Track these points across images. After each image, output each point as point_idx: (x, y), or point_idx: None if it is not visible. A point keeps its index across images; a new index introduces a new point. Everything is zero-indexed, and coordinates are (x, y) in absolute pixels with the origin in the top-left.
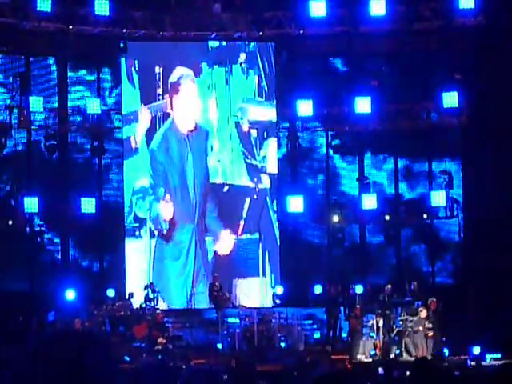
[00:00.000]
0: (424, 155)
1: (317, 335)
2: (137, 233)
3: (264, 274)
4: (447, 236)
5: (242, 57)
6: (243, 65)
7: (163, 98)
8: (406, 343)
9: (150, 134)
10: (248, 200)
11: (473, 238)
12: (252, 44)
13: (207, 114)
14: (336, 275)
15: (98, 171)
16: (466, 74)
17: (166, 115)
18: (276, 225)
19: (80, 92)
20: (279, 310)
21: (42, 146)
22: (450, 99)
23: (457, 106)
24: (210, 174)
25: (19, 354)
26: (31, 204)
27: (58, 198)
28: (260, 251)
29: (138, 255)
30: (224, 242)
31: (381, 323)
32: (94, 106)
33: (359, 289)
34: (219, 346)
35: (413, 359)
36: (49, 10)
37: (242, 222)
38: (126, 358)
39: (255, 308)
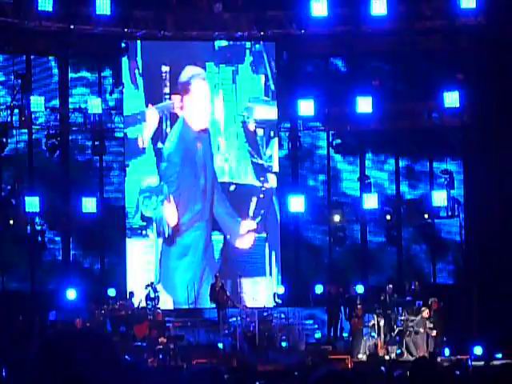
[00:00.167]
0: (425, 155)
1: (318, 335)
2: (144, 232)
3: (270, 273)
4: (448, 236)
5: (249, 56)
6: (250, 64)
7: (170, 98)
8: (407, 343)
9: (156, 134)
10: (255, 199)
11: (474, 237)
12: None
13: (214, 113)
14: (337, 275)
15: (99, 171)
16: (467, 73)
17: (173, 115)
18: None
19: (81, 92)
20: (280, 310)
21: (43, 145)
22: (452, 99)
23: (458, 105)
24: (217, 173)
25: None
26: (32, 203)
27: (59, 197)
28: (267, 250)
29: (144, 254)
30: (243, 237)
31: (382, 323)
32: (95, 106)
33: (360, 288)
34: (220, 345)
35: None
36: (50, 10)
37: (249, 221)
38: (127, 358)
39: (256, 308)
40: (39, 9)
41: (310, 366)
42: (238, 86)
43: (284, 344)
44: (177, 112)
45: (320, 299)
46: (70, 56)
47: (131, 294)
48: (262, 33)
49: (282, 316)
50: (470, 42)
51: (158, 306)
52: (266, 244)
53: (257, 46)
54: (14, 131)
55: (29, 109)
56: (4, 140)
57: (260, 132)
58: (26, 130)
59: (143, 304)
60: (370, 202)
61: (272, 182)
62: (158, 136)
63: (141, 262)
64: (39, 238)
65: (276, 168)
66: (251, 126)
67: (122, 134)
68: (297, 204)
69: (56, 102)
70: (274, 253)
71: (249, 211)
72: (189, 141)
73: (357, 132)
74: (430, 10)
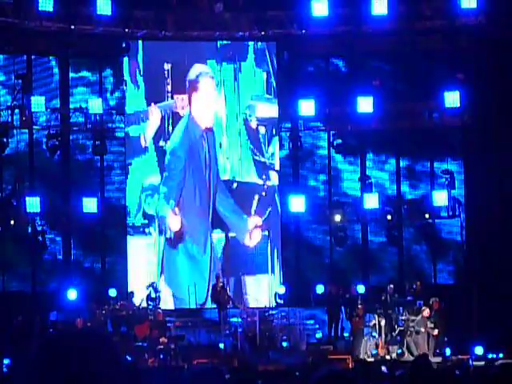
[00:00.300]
0: (426, 155)
1: (318, 335)
2: (146, 230)
3: (273, 271)
4: (449, 236)
5: (251, 54)
6: (252, 62)
7: (172, 97)
8: (408, 343)
9: (158, 132)
10: (257, 197)
11: (474, 237)
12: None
13: (216, 110)
14: (338, 275)
15: (100, 171)
16: (467, 73)
17: (175, 114)
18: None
19: (82, 92)
20: (281, 310)
21: (44, 145)
22: (452, 99)
23: (459, 105)
24: (219, 171)
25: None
26: (33, 204)
27: (59, 197)
28: (269, 248)
29: (145, 253)
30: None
31: (383, 323)
32: (96, 106)
33: (361, 288)
34: (221, 345)
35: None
36: (51, 10)
37: (256, 217)
38: (128, 358)
39: (257, 308)
40: (40, 9)
41: (311, 366)
42: (241, 83)
43: (285, 344)
44: (179, 111)
45: (321, 299)
46: (71, 56)
47: (131, 293)
48: (262, 33)
49: (284, 315)
50: (470, 42)
51: (159, 306)
52: (269, 241)
53: (259, 43)
54: (15, 131)
55: (29, 109)
56: (5, 140)
57: (262, 130)
58: (26, 130)
59: (144, 304)
60: (371, 202)
61: (274, 179)
62: (161, 135)
63: (142, 261)
64: (40, 238)
65: (278, 166)
66: (253, 124)
67: (122, 134)
68: (297, 204)
69: (57, 102)
70: (276, 250)
71: (251, 209)
72: (194, 138)
73: (357, 132)
74: (431, 10)
